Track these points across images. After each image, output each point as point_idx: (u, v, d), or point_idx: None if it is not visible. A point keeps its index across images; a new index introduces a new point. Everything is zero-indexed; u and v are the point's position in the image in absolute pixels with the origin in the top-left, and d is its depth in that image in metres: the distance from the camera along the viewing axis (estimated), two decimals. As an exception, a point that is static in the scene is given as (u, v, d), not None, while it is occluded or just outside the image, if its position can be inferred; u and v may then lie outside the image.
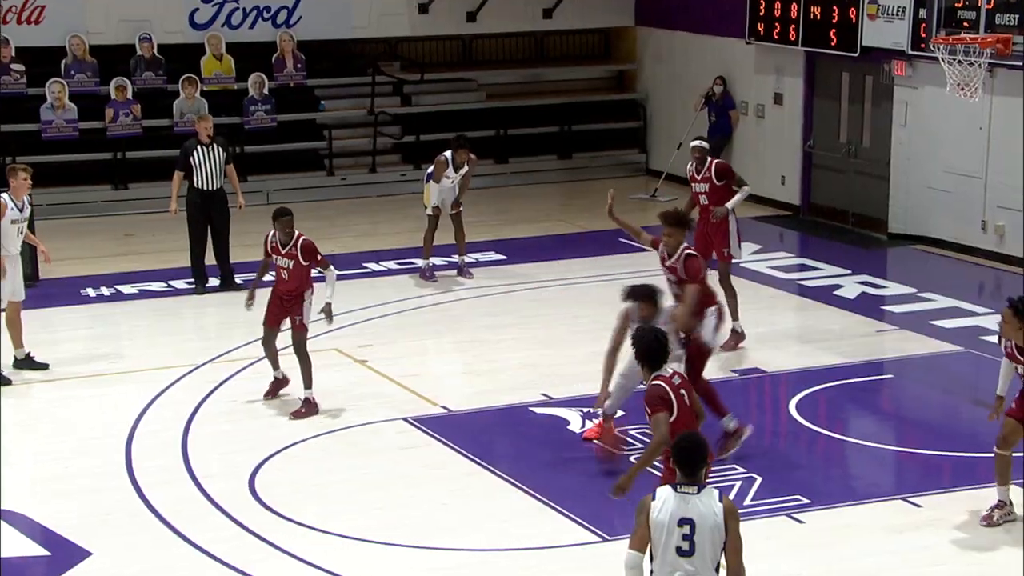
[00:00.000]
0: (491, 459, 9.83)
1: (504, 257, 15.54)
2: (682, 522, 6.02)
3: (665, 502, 6.08)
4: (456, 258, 14.76)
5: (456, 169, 14.44)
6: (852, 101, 17.07)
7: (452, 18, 19.79)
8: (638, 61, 20.75)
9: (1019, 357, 8.48)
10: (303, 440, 10.12)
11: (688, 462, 6.25)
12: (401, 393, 11.19)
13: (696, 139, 12.55)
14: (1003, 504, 8.70)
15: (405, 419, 10.57)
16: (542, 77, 20.85)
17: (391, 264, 15.24)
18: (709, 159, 12.18)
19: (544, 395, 11.06)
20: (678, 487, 6.13)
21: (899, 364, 11.47)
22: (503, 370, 11.84)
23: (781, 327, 12.94)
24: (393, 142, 19.27)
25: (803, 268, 15.27)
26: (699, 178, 12.21)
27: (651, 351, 7.60)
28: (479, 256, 15.38)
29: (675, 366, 7.85)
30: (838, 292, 14.00)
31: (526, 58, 21.05)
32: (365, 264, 15.27)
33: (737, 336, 11.88)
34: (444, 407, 10.80)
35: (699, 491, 6.10)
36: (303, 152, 18.90)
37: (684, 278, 9.95)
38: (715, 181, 12.01)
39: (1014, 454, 8.64)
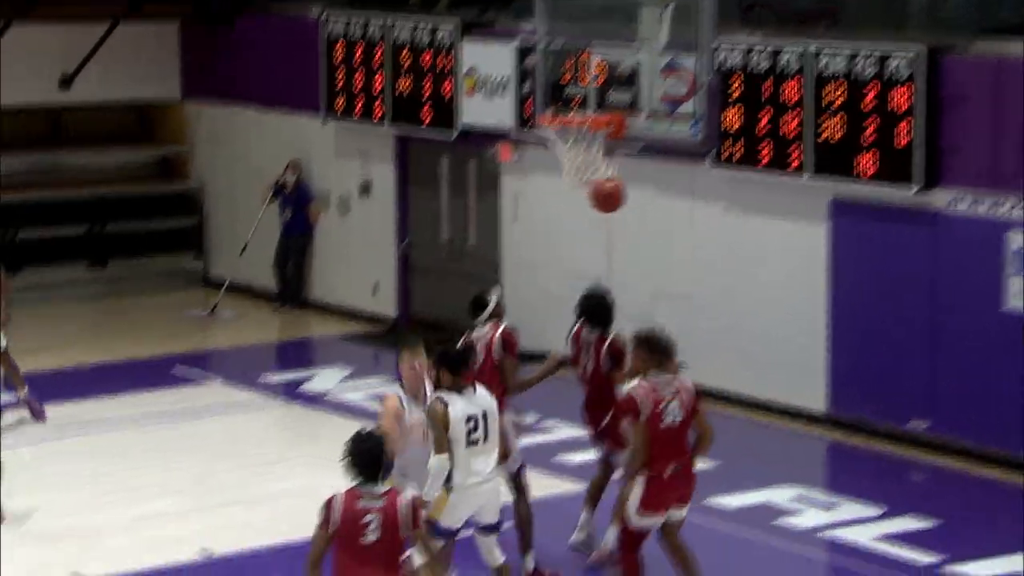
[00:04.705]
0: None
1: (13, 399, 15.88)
2: None
3: None
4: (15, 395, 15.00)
5: None
6: (454, 192, 18.54)
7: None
8: (188, 143, 21.61)
9: None
10: None
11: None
12: None
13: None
14: None
15: None
16: (61, 163, 21.31)
17: None
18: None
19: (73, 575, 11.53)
20: None
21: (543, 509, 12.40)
22: (14, 551, 11.97)
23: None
24: None
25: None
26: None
27: None
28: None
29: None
30: None
31: (38, 139, 21.39)
32: None
33: None
34: None
35: None
36: None
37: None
38: None
39: None
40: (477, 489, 9.95)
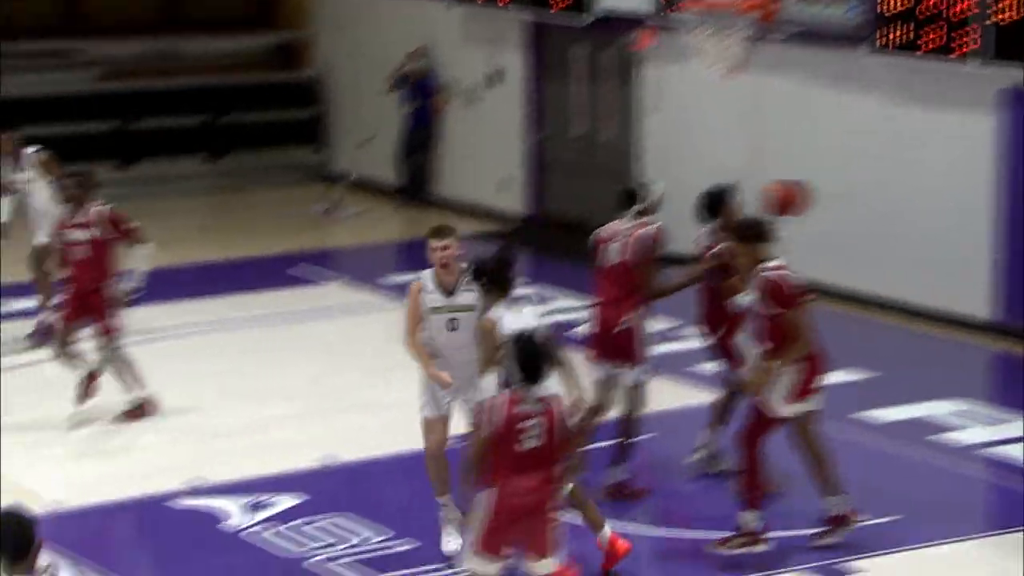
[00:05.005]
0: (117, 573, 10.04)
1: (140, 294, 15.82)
2: None
3: None
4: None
5: (17, 167, 14.41)
6: (591, 81, 18.11)
7: (45, -34, 19.93)
8: (310, 29, 21.34)
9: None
10: None
11: None
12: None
13: None
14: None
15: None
16: (178, 50, 21.19)
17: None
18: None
19: (191, 480, 11.40)
20: None
21: (655, 421, 12.10)
22: (135, 448, 12.18)
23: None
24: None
25: (532, 299, 16.13)
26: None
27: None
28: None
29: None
30: (577, 329, 14.60)
31: (153, 24, 21.30)
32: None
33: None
34: (57, 503, 10.97)
35: None
36: None
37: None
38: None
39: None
40: None
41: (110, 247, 12.50)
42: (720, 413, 11.37)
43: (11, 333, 14.50)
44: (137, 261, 12.55)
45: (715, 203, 11.22)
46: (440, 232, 9.87)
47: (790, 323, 9.80)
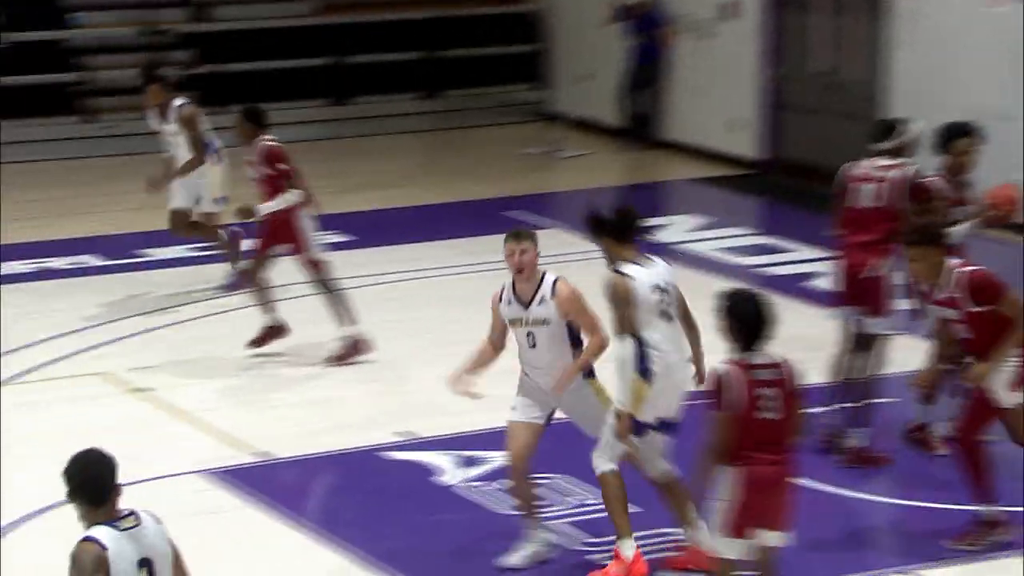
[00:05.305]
0: (330, 527, 10.01)
1: (351, 238, 15.62)
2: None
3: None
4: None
5: (164, 119, 14.23)
6: (834, 13, 17.59)
7: None
8: (533, -41, 21.29)
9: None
10: (49, 508, 9.96)
11: None
12: (198, 435, 11.38)
13: None
14: None
15: (204, 472, 10.73)
16: (394, -17, 21.25)
17: (180, 250, 15.30)
18: None
19: (402, 433, 11.32)
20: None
21: (900, 383, 11.58)
22: (344, 400, 12.09)
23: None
24: (181, 74, 19.23)
25: (765, 250, 15.65)
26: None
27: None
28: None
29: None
30: (814, 283, 14.31)
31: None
32: (139, 251, 15.39)
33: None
34: (266, 453, 11.05)
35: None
36: (43, 88, 19.03)
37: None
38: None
39: None
40: (683, 370, 8.96)
41: (279, 181, 12.40)
42: (928, 381, 10.63)
43: (194, 282, 14.48)
44: (274, 200, 12.39)
45: (948, 137, 10.62)
46: (518, 236, 9.24)
47: (1007, 311, 9.25)
